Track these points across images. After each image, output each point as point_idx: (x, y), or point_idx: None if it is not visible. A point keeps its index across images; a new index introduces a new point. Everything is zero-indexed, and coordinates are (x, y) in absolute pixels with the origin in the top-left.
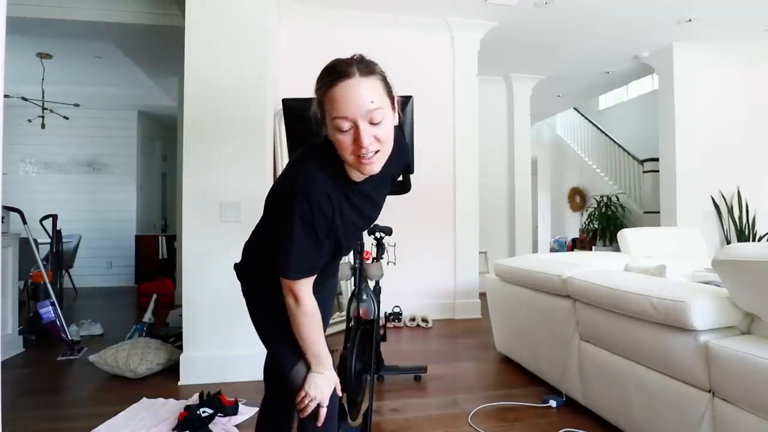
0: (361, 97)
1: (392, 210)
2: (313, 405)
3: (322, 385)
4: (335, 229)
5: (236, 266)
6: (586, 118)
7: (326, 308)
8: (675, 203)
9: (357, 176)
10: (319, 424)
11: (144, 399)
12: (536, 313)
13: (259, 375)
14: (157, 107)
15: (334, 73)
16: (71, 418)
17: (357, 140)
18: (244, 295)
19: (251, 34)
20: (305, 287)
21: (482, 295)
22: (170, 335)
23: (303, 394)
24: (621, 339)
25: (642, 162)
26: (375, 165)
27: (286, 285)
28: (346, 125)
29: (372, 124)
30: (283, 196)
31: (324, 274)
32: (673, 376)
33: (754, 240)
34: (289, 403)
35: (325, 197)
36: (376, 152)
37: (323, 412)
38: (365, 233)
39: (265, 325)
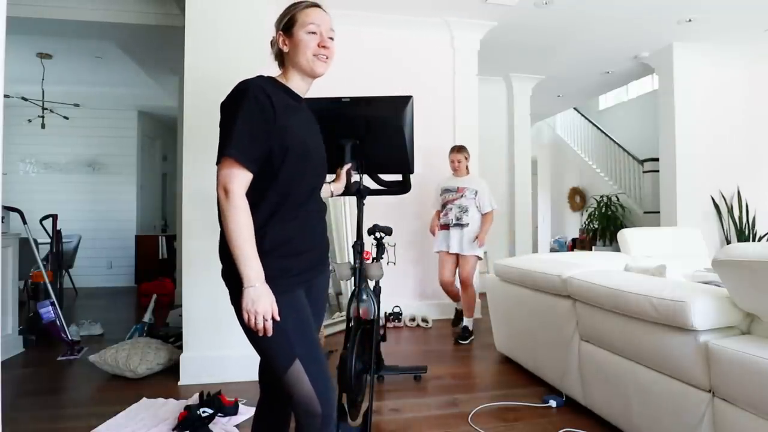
0: (328, 20)
1: (392, 210)
2: (260, 320)
3: (255, 298)
4: (284, 129)
5: (221, 273)
6: (586, 118)
7: (322, 238)
8: (675, 203)
9: (299, 88)
10: (269, 334)
11: (144, 399)
12: (536, 313)
13: (258, 375)
14: (157, 107)
15: (311, 2)
16: (71, 418)
17: (321, 41)
18: (232, 301)
19: (251, 34)
20: (238, 181)
21: (482, 295)
22: (170, 335)
23: (246, 315)
24: (621, 339)
25: (642, 162)
26: (324, 67)
27: (220, 178)
28: (315, 29)
29: (330, 39)
30: (225, 103)
31: (305, 202)
32: (673, 376)
33: (754, 240)
34: (285, 404)
35: (262, 92)
36: (327, 57)
37: (269, 324)
38: (365, 233)
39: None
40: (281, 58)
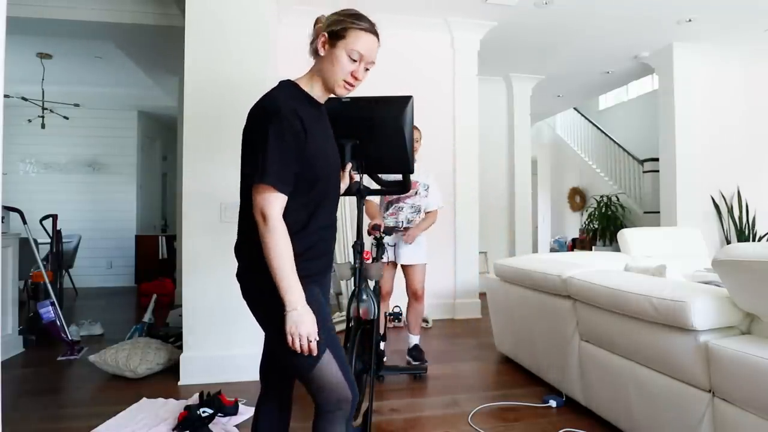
0: (375, 52)
1: None
2: (304, 341)
3: (300, 321)
4: (307, 149)
5: (237, 274)
6: (586, 118)
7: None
8: (675, 203)
9: (319, 96)
10: (314, 354)
11: (144, 399)
12: (536, 313)
13: (258, 375)
14: (157, 107)
15: (371, 26)
16: (71, 418)
17: (355, 72)
18: (245, 297)
19: (251, 34)
20: (276, 205)
21: (482, 295)
22: (170, 335)
23: (290, 339)
24: (621, 339)
25: (642, 162)
26: (346, 93)
27: (257, 204)
28: (357, 58)
29: (365, 69)
30: (257, 118)
31: (328, 214)
32: (673, 376)
33: (754, 240)
34: (287, 403)
35: (294, 116)
36: (353, 87)
37: (313, 345)
38: (365, 233)
39: (278, 325)
40: (312, 56)
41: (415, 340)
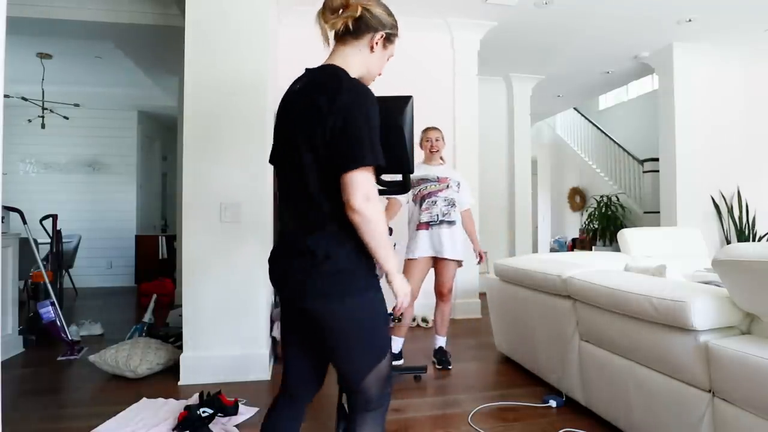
0: None
1: None
2: (407, 302)
3: (405, 283)
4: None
5: (313, 281)
6: (586, 118)
7: None
8: (675, 203)
9: None
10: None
11: (144, 399)
12: (536, 313)
13: (258, 375)
14: (157, 107)
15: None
16: (71, 418)
17: (381, 70)
18: (335, 304)
19: (251, 35)
20: (373, 185)
21: (482, 295)
22: (170, 335)
23: (402, 299)
24: (621, 339)
25: (642, 162)
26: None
27: (359, 187)
28: (389, 59)
29: None
30: (348, 101)
31: None
32: (673, 376)
33: (754, 240)
34: (304, 408)
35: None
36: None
37: (407, 301)
38: None
39: (365, 326)
40: (351, 40)
41: (441, 341)
